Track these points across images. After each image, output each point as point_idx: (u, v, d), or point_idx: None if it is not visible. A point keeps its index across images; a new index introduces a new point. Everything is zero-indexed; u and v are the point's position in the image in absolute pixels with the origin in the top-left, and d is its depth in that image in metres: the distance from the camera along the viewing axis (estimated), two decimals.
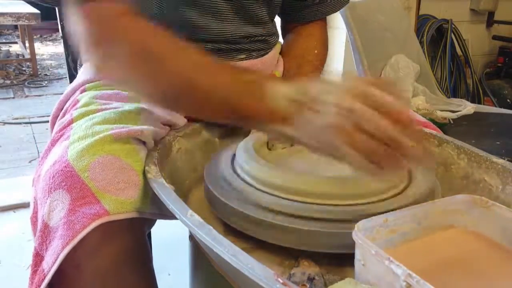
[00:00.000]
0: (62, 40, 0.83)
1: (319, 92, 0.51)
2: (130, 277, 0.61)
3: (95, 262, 0.56)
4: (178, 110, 0.69)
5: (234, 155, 0.65)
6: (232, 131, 0.78)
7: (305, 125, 0.51)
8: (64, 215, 0.54)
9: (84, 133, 0.62)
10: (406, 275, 0.38)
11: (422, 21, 2.21)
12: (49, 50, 5.39)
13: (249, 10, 0.80)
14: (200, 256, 0.61)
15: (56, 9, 1.07)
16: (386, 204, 0.54)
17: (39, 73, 4.47)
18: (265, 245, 0.55)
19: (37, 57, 4.61)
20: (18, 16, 3.43)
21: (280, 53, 0.94)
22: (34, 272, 0.56)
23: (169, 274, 1.39)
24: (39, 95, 3.89)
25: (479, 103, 2.37)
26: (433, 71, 2.17)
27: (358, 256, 0.44)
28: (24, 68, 4.57)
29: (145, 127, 0.64)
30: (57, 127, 0.71)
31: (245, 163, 0.60)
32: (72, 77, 1.03)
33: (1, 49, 5.04)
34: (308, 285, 0.49)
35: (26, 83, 4.16)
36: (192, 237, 0.65)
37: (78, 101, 0.76)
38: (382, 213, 0.49)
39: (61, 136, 0.66)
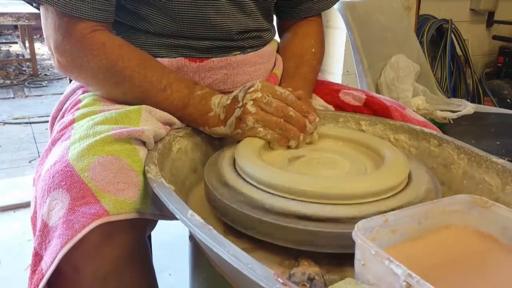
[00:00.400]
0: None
1: (242, 94, 0.69)
2: (130, 279, 0.61)
3: (95, 264, 0.56)
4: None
5: (234, 155, 0.65)
6: None
7: (231, 121, 0.69)
8: (63, 214, 0.54)
9: (85, 133, 0.63)
10: (406, 275, 0.38)
11: (422, 21, 2.21)
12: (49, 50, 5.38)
13: (242, 3, 0.81)
14: (200, 256, 0.61)
15: None
16: (385, 204, 0.54)
17: (39, 73, 4.47)
18: (265, 245, 0.55)
19: (37, 57, 4.62)
20: (18, 16, 3.43)
21: (278, 51, 0.94)
22: (33, 272, 0.56)
23: (169, 274, 1.39)
24: (39, 95, 3.89)
25: (479, 103, 2.37)
26: (433, 71, 2.17)
27: (358, 256, 0.44)
28: (24, 68, 4.57)
29: (145, 127, 0.64)
30: (57, 127, 0.71)
31: (244, 164, 0.60)
32: None
33: (1, 49, 5.04)
34: (308, 285, 0.49)
35: (26, 83, 4.17)
36: (192, 237, 0.65)
37: (80, 101, 0.76)
38: (382, 213, 0.49)
39: (61, 136, 0.66)
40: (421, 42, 2.08)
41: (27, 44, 4.44)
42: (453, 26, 2.27)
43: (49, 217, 0.55)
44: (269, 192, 0.56)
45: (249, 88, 0.69)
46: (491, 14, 2.51)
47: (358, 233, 0.44)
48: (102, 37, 0.71)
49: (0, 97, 3.81)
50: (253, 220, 0.53)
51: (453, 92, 2.33)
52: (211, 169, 0.64)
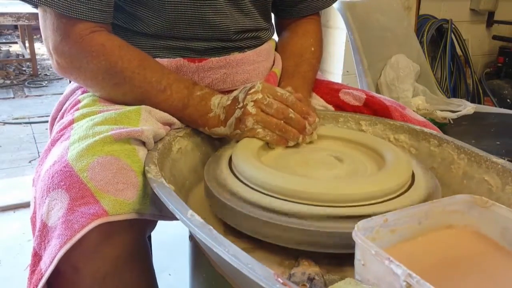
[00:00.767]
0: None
1: (243, 95, 0.69)
2: (130, 279, 0.61)
3: (94, 264, 0.56)
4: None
5: (231, 155, 0.65)
6: None
7: (231, 122, 0.70)
8: (63, 214, 0.54)
9: (85, 133, 0.62)
10: (406, 275, 0.38)
11: (422, 21, 2.21)
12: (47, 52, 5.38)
13: (239, 2, 0.81)
14: (200, 256, 0.61)
15: None
16: (385, 206, 0.54)
17: (39, 73, 4.47)
18: (265, 245, 0.55)
19: (37, 57, 4.62)
20: (18, 16, 3.43)
21: (276, 50, 0.94)
22: (32, 272, 0.56)
23: (169, 274, 1.39)
24: (39, 95, 3.89)
25: (479, 103, 2.37)
26: (433, 71, 2.17)
27: (358, 256, 0.44)
28: (24, 68, 4.57)
29: (145, 127, 0.64)
30: (57, 127, 0.71)
31: (241, 165, 0.60)
32: None
33: (1, 49, 5.04)
34: (308, 285, 0.49)
35: (26, 83, 4.17)
36: (192, 237, 0.65)
37: (79, 101, 0.76)
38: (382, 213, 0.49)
39: (61, 136, 0.66)
40: (421, 42, 2.08)
41: (27, 44, 4.44)
42: (453, 26, 2.27)
43: (48, 217, 0.55)
44: (268, 194, 0.55)
45: (250, 89, 0.69)
46: (491, 14, 2.51)
47: (358, 233, 0.44)
48: (101, 38, 0.71)
49: (0, 97, 3.81)
50: (253, 220, 0.53)
51: (453, 92, 2.33)
52: (210, 169, 0.64)
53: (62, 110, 0.81)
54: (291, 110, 0.68)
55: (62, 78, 4.24)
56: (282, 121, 0.68)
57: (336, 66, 1.99)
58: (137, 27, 0.78)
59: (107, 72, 0.71)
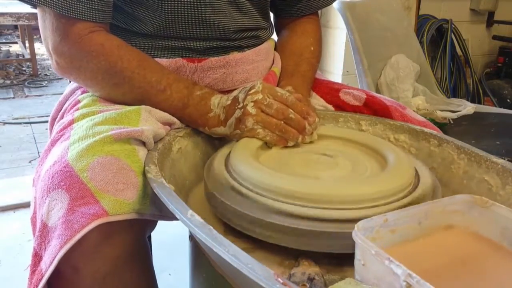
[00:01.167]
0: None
1: (243, 95, 0.69)
2: (130, 279, 0.61)
3: (94, 264, 0.56)
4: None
5: (229, 155, 0.65)
6: None
7: (231, 122, 0.70)
8: (63, 214, 0.54)
9: (85, 133, 0.62)
10: (406, 275, 0.38)
11: (422, 21, 2.21)
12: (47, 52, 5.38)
13: (238, 2, 0.81)
14: (200, 256, 0.61)
15: None
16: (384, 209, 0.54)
17: (39, 73, 4.47)
18: (265, 245, 0.55)
19: (37, 57, 4.61)
20: (18, 16, 3.43)
21: (276, 49, 0.94)
22: (33, 272, 0.56)
23: (169, 274, 1.39)
24: (39, 95, 3.89)
25: (479, 103, 2.37)
26: (433, 71, 2.16)
27: (358, 256, 0.44)
28: (24, 68, 4.57)
29: (145, 127, 0.64)
30: (57, 127, 0.71)
31: (240, 165, 0.60)
32: None
33: (1, 49, 5.04)
34: (308, 285, 0.49)
35: (26, 83, 4.17)
36: (192, 237, 0.65)
37: (79, 101, 0.76)
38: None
39: (61, 136, 0.66)
40: (421, 42, 2.08)
41: (27, 44, 4.44)
42: (453, 26, 2.26)
43: (49, 217, 0.55)
44: (266, 194, 0.55)
45: (250, 89, 0.69)
46: (491, 14, 2.51)
47: (358, 233, 0.44)
48: (100, 38, 0.71)
49: (0, 97, 3.81)
50: (253, 220, 0.53)
51: (453, 92, 2.33)
52: (211, 169, 0.64)
53: (62, 110, 0.81)
54: (291, 110, 0.68)
55: (62, 78, 4.23)
56: (282, 122, 0.68)
57: (336, 66, 1.99)
58: (136, 27, 0.78)
59: (106, 72, 0.71)
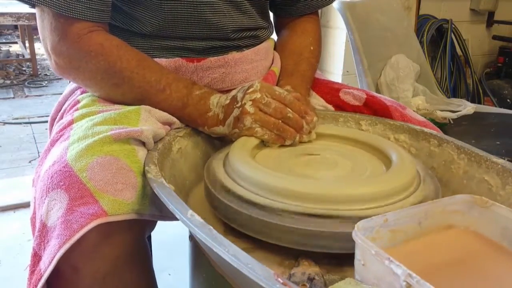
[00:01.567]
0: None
1: (241, 94, 0.69)
2: (129, 279, 0.61)
3: (94, 264, 0.56)
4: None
5: (227, 155, 0.65)
6: None
7: (230, 121, 0.70)
8: (62, 214, 0.54)
9: (84, 133, 0.62)
10: (406, 275, 0.38)
11: (422, 21, 2.21)
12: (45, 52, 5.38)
13: (237, 2, 0.81)
14: (200, 256, 0.61)
15: None
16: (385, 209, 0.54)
17: (39, 73, 4.47)
18: (265, 245, 0.55)
19: (37, 57, 4.61)
20: (18, 16, 3.43)
21: (275, 49, 0.94)
22: (32, 272, 0.56)
23: (169, 274, 1.39)
24: (39, 95, 3.89)
25: (479, 103, 2.37)
26: (433, 71, 2.16)
27: (358, 256, 0.44)
28: (24, 68, 4.57)
29: (145, 127, 0.64)
30: (56, 128, 0.71)
31: (239, 165, 0.60)
32: None
33: (1, 49, 5.04)
34: (308, 285, 0.49)
35: (26, 83, 4.17)
36: (192, 237, 0.65)
37: (78, 101, 0.76)
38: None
39: (60, 136, 0.66)
40: (421, 42, 2.08)
41: (27, 44, 4.44)
42: (453, 26, 2.26)
43: (48, 217, 0.55)
44: (266, 194, 0.55)
45: (248, 88, 0.69)
46: (491, 14, 2.51)
47: (358, 233, 0.44)
48: (99, 38, 0.71)
49: (0, 97, 3.81)
50: (253, 220, 0.53)
51: (453, 92, 2.33)
52: (211, 169, 0.64)
53: (62, 111, 0.81)
54: (289, 109, 0.68)
55: (62, 78, 4.24)
56: (280, 121, 0.68)
57: (336, 66, 1.99)
58: (135, 27, 0.78)
59: (105, 72, 0.71)
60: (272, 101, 0.68)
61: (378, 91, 1.57)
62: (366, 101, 0.86)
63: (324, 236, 0.51)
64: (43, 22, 0.72)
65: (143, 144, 0.64)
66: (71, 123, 0.69)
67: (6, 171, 2.43)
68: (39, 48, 4.87)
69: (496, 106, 2.27)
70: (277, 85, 0.84)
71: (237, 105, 0.69)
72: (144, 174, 0.59)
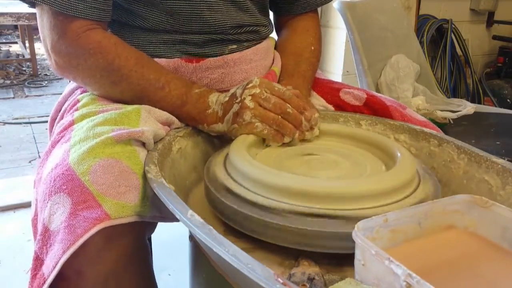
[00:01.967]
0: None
1: (240, 90, 0.69)
2: (130, 280, 0.61)
3: (97, 268, 0.56)
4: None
5: (227, 154, 0.64)
6: None
7: (229, 117, 0.69)
8: (65, 219, 0.54)
9: (85, 135, 0.62)
10: (406, 275, 0.38)
11: (422, 21, 2.21)
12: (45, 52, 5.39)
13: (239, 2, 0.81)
14: (200, 256, 0.61)
15: None
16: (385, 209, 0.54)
17: (39, 73, 4.47)
18: (265, 245, 0.55)
19: (37, 57, 4.61)
20: (18, 16, 3.42)
21: (275, 48, 0.94)
22: (34, 276, 0.55)
23: (169, 274, 1.39)
24: (39, 95, 3.89)
25: (479, 103, 2.37)
26: (433, 71, 2.17)
27: (358, 256, 0.44)
28: (24, 68, 4.57)
29: (145, 128, 0.64)
30: (57, 128, 0.71)
31: (239, 164, 0.60)
32: None
33: (1, 49, 5.04)
34: (308, 285, 0.49)
35: (26, 83, 4.17)
36: (192, 237, 0.65)
37: (78, 101, 0.76)
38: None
39: (61, 138, 0.66)
40: (421, 42, 2.08)
41: (27, 44, 4.44)
42: (453, 26, 2.26)
43: (51, 221, 0.55)
44: (265, 194, 0.55)
45: (247, 84, 0.69)
46: (491, 14, 2.51)
47: (358, 233, 0.44)
48: (97, 35, 0.71)
49: (0, 97, 3.81)
50: (254, 220, 0.53)
51: (453, 92, 2.33)
52: (210, 169, 0.64)
53: (62, 111, 0.81)
54: (288, 105, 0.68)
55: (62, 78, 4.24)
56: (279, 116, 0.68)
57: (336, 66, 1.99)
58: (135, 22, 0.78)
59: (104, 69, 0.71)
60: (271, 97, 0.68)
61: (378, 91, 1.57)
62: (366, 101, 0.86)
63: (324, 236, 0.51)
64: (42, 21, 0.72)
65: (143, 144, 0.64)
66: (71, 124, 0.68)
67: (6, 171, 2.43)
68: (39, 48, 4.88)
69: (496, 106, 2.27)
70: None
71: (237, 101, 0.69)
72: (145, 176, 0.59)
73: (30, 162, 2.56)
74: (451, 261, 0.48)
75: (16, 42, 5.39)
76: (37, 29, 0.76)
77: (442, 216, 0.51)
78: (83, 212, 0.54)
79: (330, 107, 0.87)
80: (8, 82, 4.18)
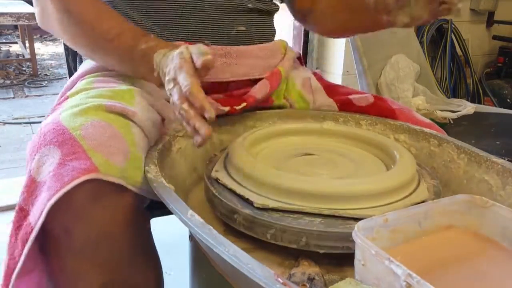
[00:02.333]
0: (62, 40, 0.84)
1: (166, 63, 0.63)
2: (128, 248, 0.59)
3: (84, 226, 0.55)
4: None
5: (227, 154, 0.64)
6: (232, 130, 0.78)
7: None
8: (53, 168, 0.53)
9: (78, 102, 0.62)
10: (406, 275, 0.38)
11: None
12: (49, 50, 5.40)
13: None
14: (200, 256, 0.61)
15: None
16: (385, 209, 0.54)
17: (39, 73, 4.47)
18: (265, 245, 0.55)
19: (37, 57, 4.61)
20: (18, 16, 3.42)
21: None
22: (18, 227, 0.54)
23: (169, 274, 1.39)
24: (39, 95, 3.89)
25: (479, 103, 2.37)
26: (433, 71, 2.16)
27: (358, 256, 0.44)
28: (24, 68, 4.57)
29: (138, 109, 0.64)
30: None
31: (239, 164, 0.60)
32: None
33: (1, 49, 5.04)
34: (308, 285, 0.49)
35: (26, 83, 4.16)
36: (192, 237, 0.65)
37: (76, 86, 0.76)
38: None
39: (54, 110, 0.66)
40: (421, 42, 2.08)
41: (27, 44, 4.44)
42: (453, 26, 2.26)
43: (39, 172, 0.54)
44: (265, 194, 0.55)
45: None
46: (491, 14, 2.51)
47: (358, 233, 0.44)
48: None
49: (0, 97, 3.81)
50: (254, 220, 0.54)
51: (453, 92, 2.33)
52: (210, 169, 0.64)
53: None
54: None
55: (62, 78, 4.25)
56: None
57: (336, 66, 1.99)
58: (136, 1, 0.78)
59: (66, 13, 0.70)
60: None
61: (378, 91, 1.57)
62: (373, 104, 0.85)
63: (324, 236, 0.51)
64: None
65: (137, 124, 0.64)
66: (65, 98, 0.68)
67: (6, 171, 2.43)
68: (39, 48, 4.89)
69: (496, 106, 2.27)
70: None
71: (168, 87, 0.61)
72: (136, 148, 0.58)
73: None
74: (451, 261, 0.48)
75: (16, 42, 5.39)
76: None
77: (442, 216, 0.51)
78: (72, 162, 0.53)
79: (334, 105, 0.86)
80: (8, 82, 4.18)
